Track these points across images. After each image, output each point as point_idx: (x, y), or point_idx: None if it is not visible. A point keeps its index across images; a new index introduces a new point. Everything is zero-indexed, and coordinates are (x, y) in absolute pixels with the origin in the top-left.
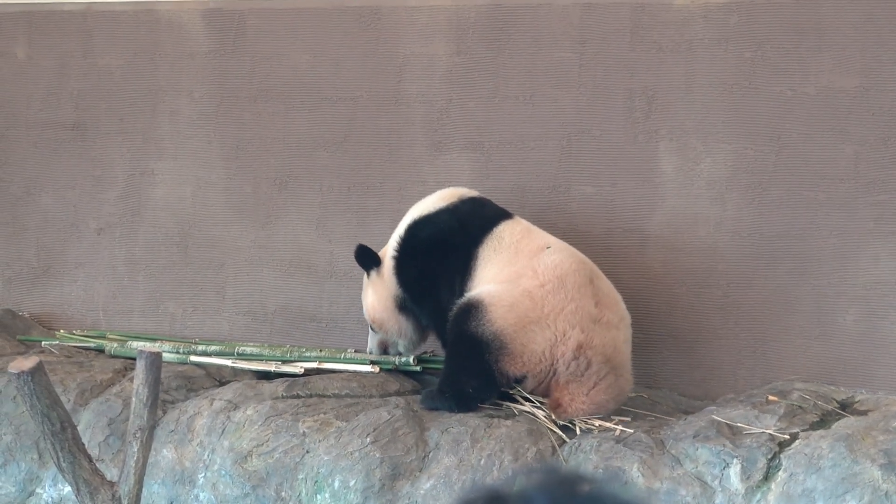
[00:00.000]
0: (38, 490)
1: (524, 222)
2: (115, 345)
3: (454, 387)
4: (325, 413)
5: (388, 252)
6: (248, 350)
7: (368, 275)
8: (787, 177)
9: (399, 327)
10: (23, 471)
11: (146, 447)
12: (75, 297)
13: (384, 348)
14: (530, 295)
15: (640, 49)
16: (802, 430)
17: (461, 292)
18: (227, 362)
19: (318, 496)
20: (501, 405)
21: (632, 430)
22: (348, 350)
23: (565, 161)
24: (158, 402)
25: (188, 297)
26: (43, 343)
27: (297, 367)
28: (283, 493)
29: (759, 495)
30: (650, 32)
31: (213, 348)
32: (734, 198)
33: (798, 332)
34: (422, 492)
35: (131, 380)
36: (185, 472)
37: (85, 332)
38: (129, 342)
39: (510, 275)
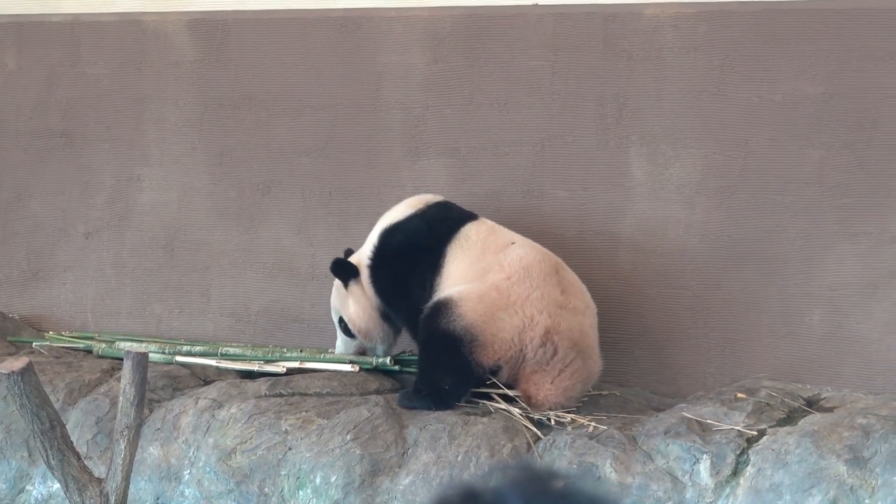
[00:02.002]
0: (28, 487)
1: (489, 222)
2: (103, 345)
3: (430, 385)
4: (306, 411)
5: (362, 262)
6: (232, 350)
7: (347, 286)
8: (755, 181)
9: (382, 334)
10: (13, 468)
11: (133, 445)
12: (64, 300)
13: (361, 353)
14: (497, 287)
15: (611, 57)
16: (770, 427)
17: (431, 290)
18: (212, 362)
19: (300, 492)
20: (478, 403)
21: (605, 427)
22: (329, 350)
23: (539, 166)
24: (145, 401)
25: (174, 299)
26: (33, 344)
27: (280, 367)
28: (266, 489)
29: (727, 490)
30: (621, 41)
31: (197, 348)
32: (703, 201)
33: (765, 331)
34: (401, 487)
35: (118, 379)
36: (170, 468)
37: (74, 334)
38: (117, 343)
39: (478, 271)
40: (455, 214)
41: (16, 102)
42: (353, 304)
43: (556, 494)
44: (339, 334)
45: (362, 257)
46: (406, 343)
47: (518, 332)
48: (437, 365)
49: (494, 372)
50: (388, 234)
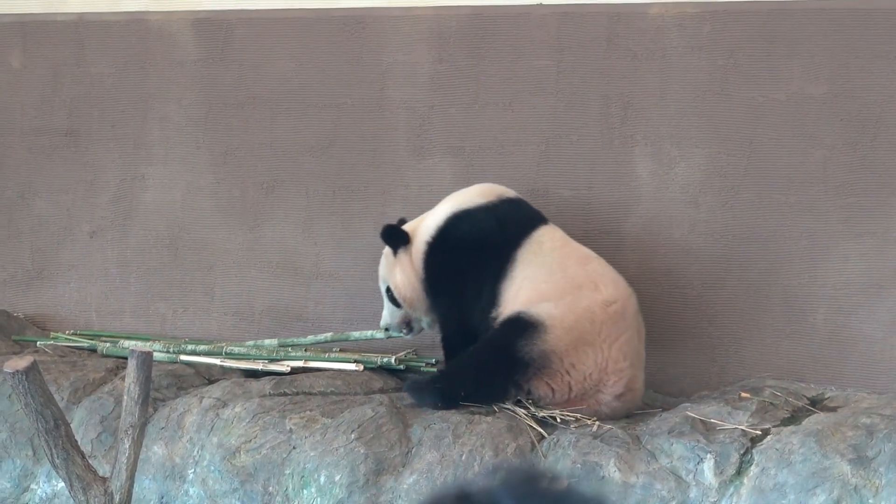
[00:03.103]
0: (33, 486)
1: (559, 229)
2: (108, 344)
3: (448, 385)
4: (311, 410)
5: (420, 235)
6: (236, 349)
7: (395, 254)
8: (759, 180)
9: (427, 306)
10: (18, 467)
11: (137, 444)
12: (68, 299)
13: (407, 323)
14: (591, 317)
15: (615, 57)
16: (774, 426)
17: (493, 294)
18: (216, 361)
19: (305, 491)
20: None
21: (609, 426)
22: (335, 350)
23: (543, 165)
24: (149, 400)
25: (178, 297)
26: (37, 343)
27: (284, 366)
28: (270, 488)
29: (731, 489)
30: (626, 41)
31: (202, 347)
32: (707, 201)
33: (769, 330)
34: (405, 486)
35: (123, 378)
36: (175, 467)
37: (79, 332)
38: (121, 342)
39: (560, 285)
40: (527, 215)
41: (20, 101)
42: (400, 273)
43: (547, 496)
44: (386, 303)
45: (421, 230)
46: (408, 343)
47: (599, 371)
48: (478, 375)
49: (530, 395)
50: (455, 220)
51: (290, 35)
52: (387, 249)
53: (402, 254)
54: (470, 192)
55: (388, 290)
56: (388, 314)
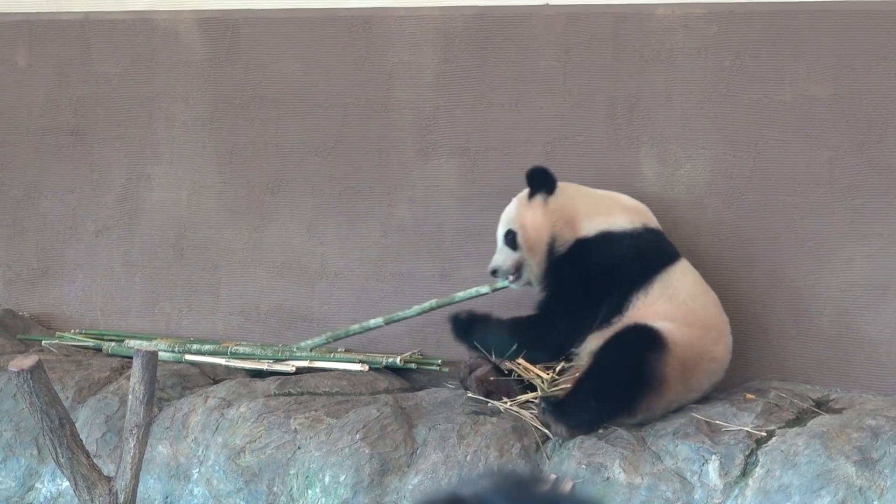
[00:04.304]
0: (38, 485)
1: (691, 267)
2: (113, 344)
3: (589, 402)
4: (315, 410)
5: (577, 214)
6: (241, 349)
7: (532, 196)
8: (765, 182)
9: (542, 258)
10: (22, 466)
11: (142, 443)
12: (74, 298)
13: (517, 269)
14: (700, 364)
15: (622, 57)
16: (779, 428)
17: (608, 315)
18: (221, 361)
19: (309, 491)
20: (487, 402)
21: (614, 427)
22: (339, 350)
23: (549, 166)
24: (154, 400)
25: (183, 297)
26: (42, 342)
27: (289, 366)
28: (274, 488)
29: (736, 490)
30: (632, 41)
31: (207, 347)
32: (713, 202)
33: (775, 332)
34: (409, 487)
35: (128, 378)
36: (179, 467)
37: (84, 332)
38: (126, 341)
39: (688, 317)
40: (665, 249)
41: (26, 100)
42: (531, 217)
43: (539, 500)
44: (501, 247)
45: (578, 210)
46: (411, 344)
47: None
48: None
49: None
50: (600, 240)
51: (296, 35)
52: (522, 194)
53: (539, 198)
54: (623, 212)
55: (510, 233)
56: (501, 257)
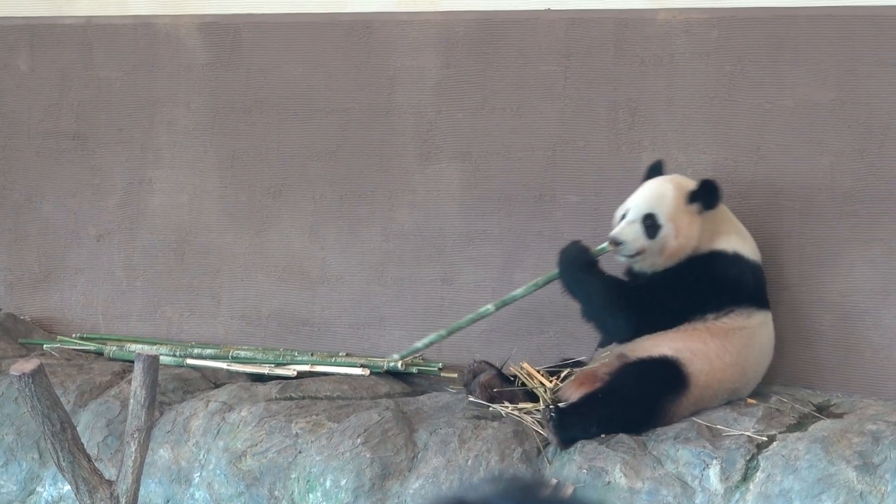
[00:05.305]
0: (39, 489)
1: (771, 318)
2: (114, 348)
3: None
4: (317, 414)
5: (716, 221)
6: (243, 353)
7: (690, 202)
8: (766, 187)
9: (675, 259)
10: (24, 470)
11: (143, 447)
12: (75, 302)
13: (640, 252)
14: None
15: (623, 62)
16: (780, 432)
17: (688, 311)
18: (223, 365)
19: (311, 495)
20: (488, 406)
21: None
22: (340, 354)
23: (551, 171)
24: (155, 404)
25: (184, 301)
26: (44, 346)
27: (290, 370)
28: (276, 492)
29: (737, 495)
30: (633, 46)
31: (208, 351)
32: None
33: (776, 337)
34: (410, 491)
35: (129, 382)
36: (181, 471)
37: (85, 336)
38: (128, 345)
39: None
40: (765, 295)
41: (28, 104)
42: (689, 224)
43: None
44: (638, 227)
45: (721, 228)
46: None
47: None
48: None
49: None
50: (735, 257)
51: (298, 39)
52: (675, 184)
53: (697, 205)
54: (754, 244)
55: (651, 218)
56: (632, 235)
